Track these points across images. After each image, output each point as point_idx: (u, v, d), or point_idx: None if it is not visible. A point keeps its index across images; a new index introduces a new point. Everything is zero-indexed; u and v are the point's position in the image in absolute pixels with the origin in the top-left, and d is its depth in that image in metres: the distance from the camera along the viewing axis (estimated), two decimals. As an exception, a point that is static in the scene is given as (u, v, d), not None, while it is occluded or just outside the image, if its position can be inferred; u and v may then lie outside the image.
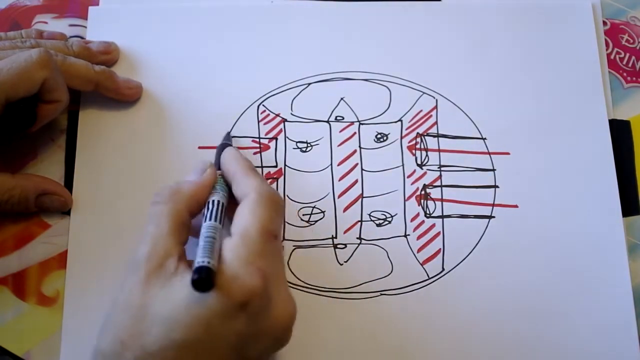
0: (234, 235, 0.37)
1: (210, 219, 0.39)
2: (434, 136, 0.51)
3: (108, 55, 0.51)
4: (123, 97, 0.50)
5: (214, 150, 0.50)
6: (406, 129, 0.51)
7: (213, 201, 0.40)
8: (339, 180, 0.50)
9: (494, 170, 0.50)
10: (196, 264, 0.35)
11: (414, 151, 0.51)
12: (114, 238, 0.48)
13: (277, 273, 0.38)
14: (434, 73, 0.52)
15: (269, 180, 0.50)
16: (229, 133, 0.49)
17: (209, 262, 0.35)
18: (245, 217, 0.38)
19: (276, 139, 0.51)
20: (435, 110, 0.52)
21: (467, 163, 0.50)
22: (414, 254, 0.48)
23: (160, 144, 0.50)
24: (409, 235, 0.48)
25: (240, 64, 0.53)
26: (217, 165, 0.44)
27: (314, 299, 0.46)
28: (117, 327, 0.35)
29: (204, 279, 0.34)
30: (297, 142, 0.51)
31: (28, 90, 0.44)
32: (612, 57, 0.54)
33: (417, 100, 0.52)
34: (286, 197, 0.49)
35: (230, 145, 0.46)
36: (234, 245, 0.37)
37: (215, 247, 0.36)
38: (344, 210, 0.49)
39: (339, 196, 0.49)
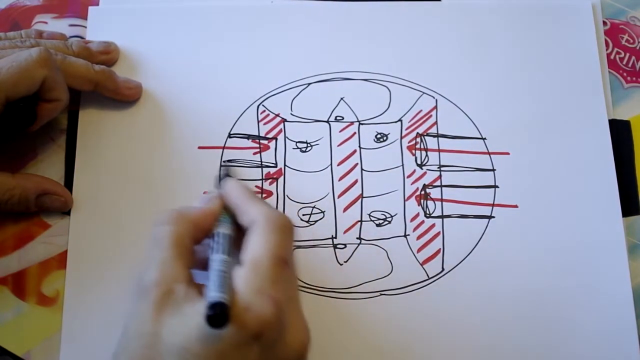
0: (244, 264, 0.36)
1: (219, 252, 0.37)
2: (434, 136, 0.51)
3: (108, 55, 0.52)
4: (123, 97, 0.50)
5: (214, 151, 0.50)
6: (406, 129, 0.51)
7: (220, 233, 0.39)
8: (339, 180, 0.50)
9: (493, 170, 0.50)
10: (210, 299, 0.34)
11: (413, 151, 0.51)
12: (114, 238, 0.48)
13: (290, 300, 0.37)
14: (433, 73, 0.52)
15: (269, 181, 0.50)
16: (226, 163, 0.49)
17: (223, 298, 0.34)
18: (255, 245, 0.37)
19: (276, 139, 0.51)
20: (435, 110, 0.52)
21: (467, 163, 0.50)
22: (414, 254, 0.48)
23: (160, 144, 0.50)
24: (408, 235, 0.48)
25: (240, 64, 0.53)
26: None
27: (314, 299, 0.46)
28: (130, 356, 0.35)
29: (219, 315, 0.33)
30: (297, 142, 0.51)
31: (28, 89, 0.44)
32: (612, 57, 0.54)
33: (417, 100, 0.52)
34: (286, 197, 0.49)
35: (229, 173, 0.45)
36: (245, 275, 0.36)
37: (227, 281, 0.35)
38: (344, 211, 0.49)
39: (339, 196, 0.49)
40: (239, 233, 0.40)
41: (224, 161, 0.49)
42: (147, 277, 0.36)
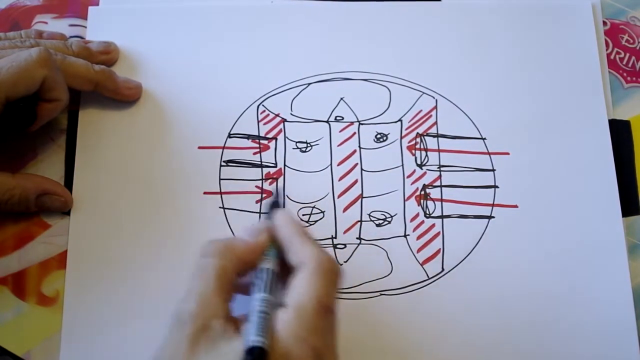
0: (288, 307, 0.36)
1: (262, 291, 0.37)
2: (434, 136, 0.51)
3: (108, 55, 0.52)
4: (123, 97, 0.50)
5: (214, 151, 0.50)
6: (406, 129, 0.51)
7: (265, 269, 0.38)
8: (339, 180, 0.50)
9: (493, 170, 0.50)
10: (250, 343, 0.33)
11: (413, 151, 0.51)
12: (114, 238, 0.48)
13: (329, 350, 0.36)
14: (433, 73, 0.52)
15: (269, 181, 0.50)
16: (278, 189, 0.48)
17: (263, 343, 0.33)
18: (301, 290, 0.36)
19: (276, 139, 0.51)
20: (435, 111, 0.52)
21: (467, 163, 0.50)
22: (414, 254, 0.48)
23: (160, 144, 0.50)
24: (408, 235, 0.48)
25: (240, 64, 0.53)
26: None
27: (314, 299, 0.46)
28: None
29: (257, 359, 0.33)
30: (296, 142, 0.51)
31: (28, 88, 0.44)
32: (612, 57, 0.54)
33: (416, 101, 0.52)
34: (286, 197, 0.49)
35: (278, 202, 0.44)
36: (288, 319, 0.35)
37: (268, 323, 0.35)
38: (344, 211, 0.49)
39: (339, 196, 0.49)
40: (284, 268, 0.39)
41: (275, 188, 0.48)
42: (185, 308, 0.36)
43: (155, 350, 0.36)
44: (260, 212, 0.49)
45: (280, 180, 0.49)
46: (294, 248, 0.39)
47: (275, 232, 0.40)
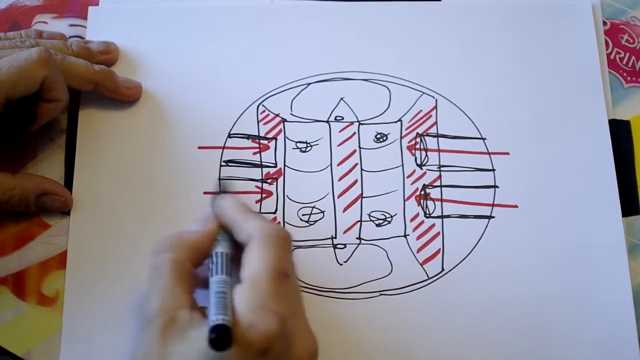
0: (243, 281, 0.36)
1: (217, 273, 0.38)
2: (434, 136, 0.51)
3: (108, 55, 0.52)
4: (122, 97, 0.50)
5: (214, 151, 0.50)
6: (406, 129, 0.51)
7: (217, 253, 0.39)
8: (339, 180, 0.50)
9: (493, 170, 0.50)
10: (211, 323, 0.34)
11: (413, 151, 0.51)
12: (114, 238, 0.48)
13: (294, 312, 0.37)
14: (433, 73, 0.52)
15: (269, 181, 0.50)
16: (221, 180, 0.48)
17: (224, 320, 0.34)
18: (252, 261, 0.37)
19: (276, 139, 0.51)
20: (434, 111, 0.52)
21: (467, 163, 0.50)
22: (414, 254, 0.48)
23: (160, 144, 0.50)
24: (408, 235, 0.48)
25: (240, 64, 0.53)
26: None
27: (314, 299, 0.46)
28: None
29: (222, 338, 0.33)
30: (296, 142, 0.51)
31: (28, 88, 0.44)
32: (612, 57, 0.54)
33: (416, 101, 0.52)
34: (286, 197, 0.49)
35: (225, 189, 0.44)
36: (246, 293, 0.36)
37: (227, 301, 0.36)
38: (344, 211, 0.49)
39: (339, 196, 0.49)
40: (238, 250, 0.39)
41: (219, 179, 0.49)
42: (149, 306, 0.36)
43: (130, 356, 0.36)
44: (259, 212, 0.49)
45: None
46: (239, 226, 0.40)
47: (221, 217, 0.41)
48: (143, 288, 0.38)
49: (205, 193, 0.49)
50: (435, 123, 0.51)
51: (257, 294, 0.36)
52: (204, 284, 0.39)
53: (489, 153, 0.50)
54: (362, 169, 0.50)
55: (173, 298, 0.36)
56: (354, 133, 0.51)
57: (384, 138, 0.51)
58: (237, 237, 0.40)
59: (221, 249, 0.39)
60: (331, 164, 0.50)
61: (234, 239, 0.40)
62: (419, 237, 0.48)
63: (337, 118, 0.51)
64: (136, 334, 0.37)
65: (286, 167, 0.50)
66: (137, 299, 0.38)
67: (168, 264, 0.38)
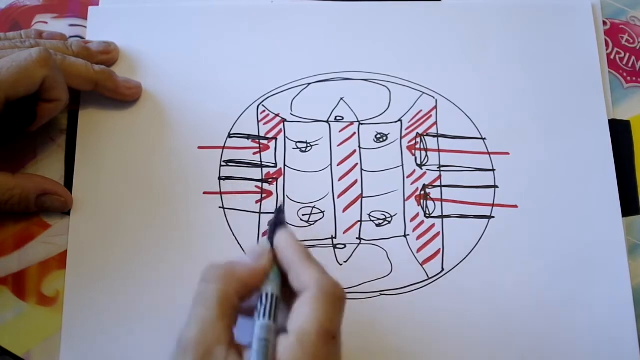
0: (290, 334, 0.36)
1: (264, 317, 0.37)
2: (434, 136, 0.51)
3: (108, 55, 0.52)
4: (122, 97, 0.50)
5: (214, 151, 0.50)
6: (406, 129, 0.51)
7: (268, 295, 0.38)
8: (339, 181, 0.50)
9: (493, 170, 0.50)
10: None
11: (413, 151, 0.51)
12: (114, 238, 0.48)
13: None
14: (433, 73, 0.52)
15: (269, 181, 0.50)
16: (281, 208, 0.46)
17: None
18: (303, 316, 0.36)
19: (276, 139, 0.51)
20: (434, 111, 0.52)
21: (467, 163, 0.50)
22: (414, 254, 0.48)
23: (160, 144, 0.50)
24: (408, 235, 0.48)
25: (240, 64, 0.53)
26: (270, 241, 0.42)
27: (314, 299, 0.46)
28: None
29: None
30: (296, 142, 0.51)
31: (28, 89, 0.44)
32: (612, 57, 0.54)
33: (416, 101, 0.52)
34: (286, 197, 0.49)
35: (283, 221, 0.43)
36: (290, 346, 0.35)
37: (269, 351, 0.35)
38: (344, 211, 0.49)
39: (339, 196, 0.49)
40: (288, 291, 0.39)
41: (279, 207, 0.47)
42: (188, 335, 0.36)
43: None
44: (260, 212, 0.49)
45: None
46: (296, 272, 0.38)
47: (278, 255, 0.40)
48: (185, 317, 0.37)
49: (205, 193, 0.49)
50: (435, 123, 0.51)
51: (302, 350, 0.35)
52: (249, 313, 0.38)
53: (489, 153, 0.50)
54: (362, 169, 0.50)
55: (213, 332, 0.35)
56: (354, 133, 0.51)
57: (384, 138, 0.51)
58: (291, 282, 0.39)
59: (271, 289, 0.38)
60: (331, 164, 0.50)
61: (285, 279, 0.39)
62: (419, 237, 0.48)
63: (337, 118, 0.51)
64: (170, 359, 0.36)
65: (286, 167, 0.50)
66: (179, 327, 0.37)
67: (215, 295, 0.37)
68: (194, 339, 0.35)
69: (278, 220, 0.42)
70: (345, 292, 0.38)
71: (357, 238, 0.48)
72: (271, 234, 0.41)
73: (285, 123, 0.51)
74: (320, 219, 0.49)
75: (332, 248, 0.48)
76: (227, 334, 0.36)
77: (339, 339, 0.37)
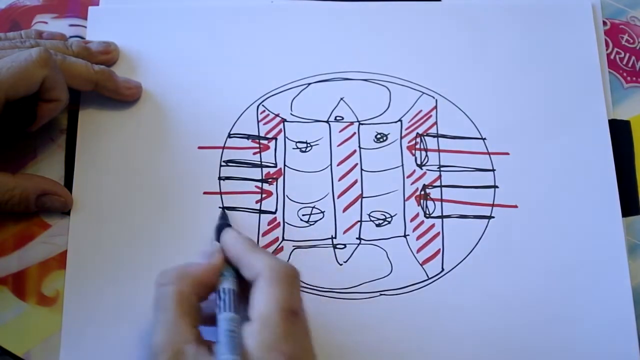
0: (253, 320, 0.36)
1: (226, 310, 0.37)
2: (434, 136, 0.51)
3: (108, 55, 0.52)
4: (122, 97, 0.50)
5: (214, 151, 0.50)
6: (406, 129, 0.51)
7: (225, 289, 0.39)
8: (339, 181, 0.50)
9: (493, 170, 0.50)
10: None
11: (413, 151, 0.51)
12: (114, 238, 0.48)
13: (303, 352, 0.36)
14: (433, 73, 0.52)
15: (269, 181, 0.50)
16: (224, 211, 0.48)
17: (235, 359, 0.34)
18: (261, 300, 0.36)
19: (276, 139, 0.51)
20: (434, 111, 0.52)
21: (467, 163, 0.50)
22: (414, 254, 0.48)
23: (160, 144, 0.50)
24: (408, 235, 0.48)
25: (240, 64, 0.53)
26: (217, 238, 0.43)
27: (314, 299, 0.46)
28: None
29: None
30: (296, 142, 0.51)
31: (28, 89, 0.44)
32: (612, 57, 0.54)
33: (416, 101, 0.52)
34: (286, 197, 0.49)
35: (228, 224, 0.45)
36: (255, 332, 0.35)
37: (237, 340, 0.35)
38: (344, 211, 0.49)
39: (339, 196, 0.49)
40: (244, 285, 0.39)
41: (220, 207, 0.48)
42: (155, 340, 0.36)
43: None
44: (260, 211, 0.49)
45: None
46: (246, 263, 0.39)
47: (226, 252, 0.41)
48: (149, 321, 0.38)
49: (205, 193, 0.49)
50: (435, 123, 0.51)
51: (268, 334, 0.35)
52: (209, 320, 0.38)
53: (489, 153, 0.50)
54: (362, 169, 0.50)
55: (178, 332, 0.36)
56: (354, 133, 0.51)
57: (384, 138, 0.51)
58: (243, 274, 0.39)
59: (228, 284, 0.39)
60: (331, 164, 0.50)
61: (239, 274, 0.40)
62: (419, 237, 0.48)
63: (337, 118, 0.51)
64: None
65: (286, 167, 0.50)
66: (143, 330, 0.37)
67: (172, 297, 0.37)
68: (161, 343, 0.35)
69: (222, 223, 0.44)
70: (297, 270, 0.38)
71: (357, 238, 0.48)
72: (217, 235, 0.43)
73: (285, 123, 0.51)
74: (320, 219, 0.49)
75: (332, 248, 0.48)
76: (194, 332, 0.36)
77: (303, 315, 0.38)
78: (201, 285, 0.39)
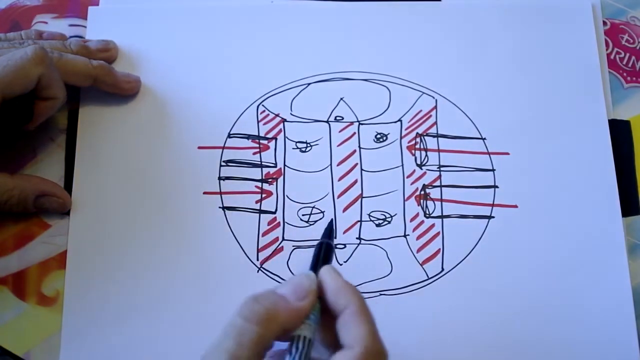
0: None
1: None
2: (434, 136, 0.51)
3: (107, 53, 0.51)
4: (122, 91, 0.50)
5: (214, 151, 0.50)
6: (406, 129, 0.51)
7: (303, 337, 0.36)
8: (339, 181, 0.50)
9: (493, 170, 0.50)
10: None
11: (413, 151, 0.51)
12: (114, 238, 0.48)
13: None
14: (433, 73, 0.52)
15: (269, 181, 0.50)
16: (331, 227, 0.43)
17: None
18: None
19: (276, 139, 0.51)
20: (434, 111, 0.51)
21: (467, 163, 0.50)
22: (414, 254, 0.48)
23: (160, 144, 0.50)
24: (408, 235, 0.48)
25: (240, 64, 0.53)
26: (312, 269, 0.39)
27: (314, 299, 0.46)
28: None
29: None
30: (296, 142, 0.51)
31: (24, 87, 0.44)
32: (612, 57, 0.54)
33: (416, 101, 0.52)
34: (286, 197, 0.49)
35: (332, 245, 0.41)
36: None
37: None
38: (344, 211, 0.49)
39: (339, 196, 0.49)
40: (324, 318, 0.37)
41: (329, 225, 0.43)
42: None
43: None
44: (260, 211, 0.49)
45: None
46: (348, 324, 0.36)
47: (325, 294, 0.37)
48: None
49: (205, 193, 0.49)
50: (435, 123, 0.51)
51: None
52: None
53: (489, 153, 0.50)
54: (362, 169, 0.50)
55: None
56: (354, 133, 0.51)
57: (384, 138, 0.51)
58: (338, 331, 0.36)
59: (308, 333, 0.36)
60: (331, 164, 0.50)
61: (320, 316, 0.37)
62: (418, 237, 0.48)
63: (337, 118, 0.51)
64: None
65: (286, 167, 0.50)
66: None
67: (251, 337, 0.34)
68: None
69: (329, 242, 0.40)
70: (387, 356, 0.36)
71: (357, 238, 0.48)
72: (318, 256, 0.40)
73: (285, 123, 0.51)
74: (320, 219, 0.49)
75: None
76: None
77: None
78: (284, 330, 0.36)
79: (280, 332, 0.35)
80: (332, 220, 0.48)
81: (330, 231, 0.43)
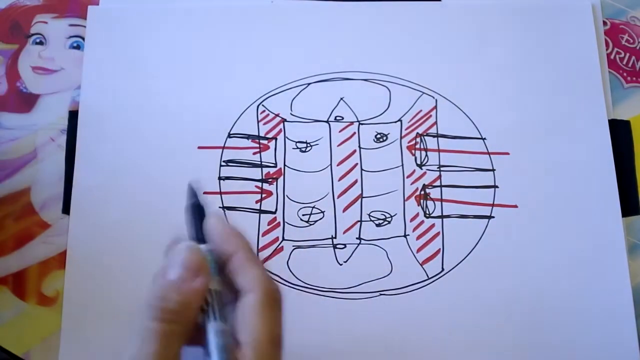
0: (244, 346, 0.35)
1: (214, 319, 0.35)
2: (434, 136, 0.51)
3: None
4: None
5: (214, 151, 0.50)
6: (406, 129, 0.51)
7: (212, 292, 0.36)
8: (339, 180, 0.50)
9: (493, 170, 0.50)
10: None
11: (413, 151, 0.51)
12: (114, 238, 0.48)
13: None
14: (433, 73, 0.52)
15: (269, 180, 0.50)
16: (192, 188, 0.40)
17: None
18: (255, 326, 0.35)
19: (276, 139, 0.51)
20: (434, 110, 0.52)
21: (467, 163, 0.50)
22: (414, 254, 0.48)
23: (160, 144, 0.50)
24: (408, 235, 0.48)
25: (240, 64, 0.53)
26: (195, 235, 0.38)
27: (314, 299, 0.46)
28: None
29: None
30: (296, 142, 0.51)
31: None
32: (612, 57, 0.54)
33: (416, 100, 0.52)
34: (286, 197, 0.49)
35: (199, 204, 0.39)
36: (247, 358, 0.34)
37: (231, 357, 0.34)
38: (344, 211, 0.49)
39: (339, 196, 0.49)
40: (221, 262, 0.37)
41: (190, 188, 0.40)
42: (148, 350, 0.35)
43: None
44: (260, 211, 0.49)
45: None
46: (241, 269, 0.37)
47: (217, 244, 0.37)
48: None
49: (205, 193, 0.49)
50: (435, 123, 0.51)
51: None
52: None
53: (489, 153, 0.50)
54: (362, 169, 0.50)
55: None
56: (354, 133, 0.51)
57: (384, 138, 0.51)
58: (233, 276, 0.37)
59: (214, 286, 0.36)
60: (331, 164, 0.50)
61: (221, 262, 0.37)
62: (418, 237, 0.48)
63: (337, 118, 0.51)
64: None
65: (286, 167, 0.50)
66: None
67: (166, 336, 0.35)
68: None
69: (196, 202, 0.39)
70: (281, 293, 0.37)
71: (357, 238, 0.48)
72: (195, 222, 0.39)
73: (285, 123, 0.51)
74: (320, 219, 0.49)
75: (332, 248, 0.48)
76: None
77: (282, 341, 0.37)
78: (185, 313, 0.36)
79: (181, 316, 0.35)
80: (189, 182, 0.41)
81: (192, 191, 0.40)
